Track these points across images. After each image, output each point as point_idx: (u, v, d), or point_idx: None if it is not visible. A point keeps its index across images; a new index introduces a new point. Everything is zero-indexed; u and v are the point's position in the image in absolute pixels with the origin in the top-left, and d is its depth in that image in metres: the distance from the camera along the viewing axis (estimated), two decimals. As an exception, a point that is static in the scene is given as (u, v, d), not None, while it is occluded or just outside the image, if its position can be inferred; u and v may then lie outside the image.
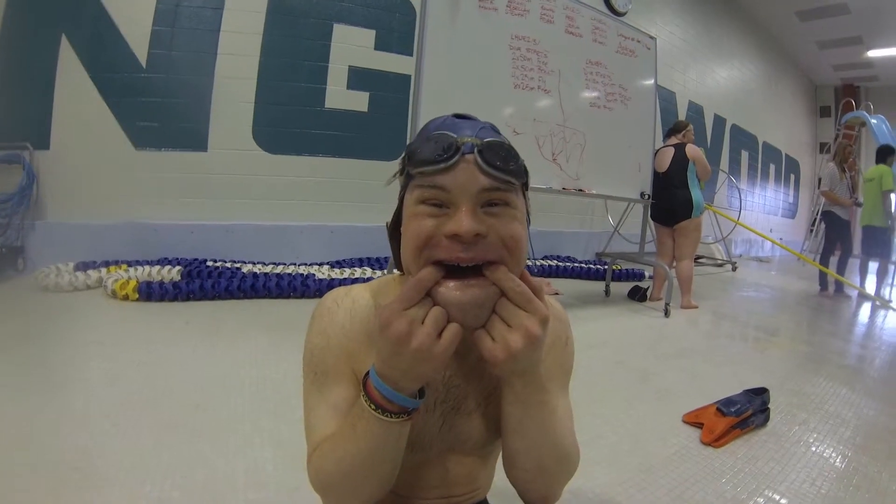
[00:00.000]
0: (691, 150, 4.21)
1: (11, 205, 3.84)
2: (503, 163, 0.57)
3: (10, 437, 1.60)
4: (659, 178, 4.26)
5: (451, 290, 0.54)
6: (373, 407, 0.57)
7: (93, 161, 4.07)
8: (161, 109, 4.17)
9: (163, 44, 4.22)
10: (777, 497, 1.53)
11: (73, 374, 2.20)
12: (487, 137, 0.59)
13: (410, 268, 0.58)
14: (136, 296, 3.30)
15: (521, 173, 0.60)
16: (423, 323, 0.53)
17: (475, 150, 0.57)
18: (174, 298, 3.35)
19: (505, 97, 3.43)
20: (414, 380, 0.56)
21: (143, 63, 4.18)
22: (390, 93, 4.76)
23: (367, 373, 0.58)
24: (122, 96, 4.12)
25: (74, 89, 4.09)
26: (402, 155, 0.62)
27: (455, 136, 0.58)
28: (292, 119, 4.49)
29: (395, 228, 0.67)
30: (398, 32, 4.83)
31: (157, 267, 3.67)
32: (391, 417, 0.57)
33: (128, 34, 4.15)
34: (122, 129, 4.10)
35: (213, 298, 3.44)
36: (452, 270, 0.55)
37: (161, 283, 3.39)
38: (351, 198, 4.66)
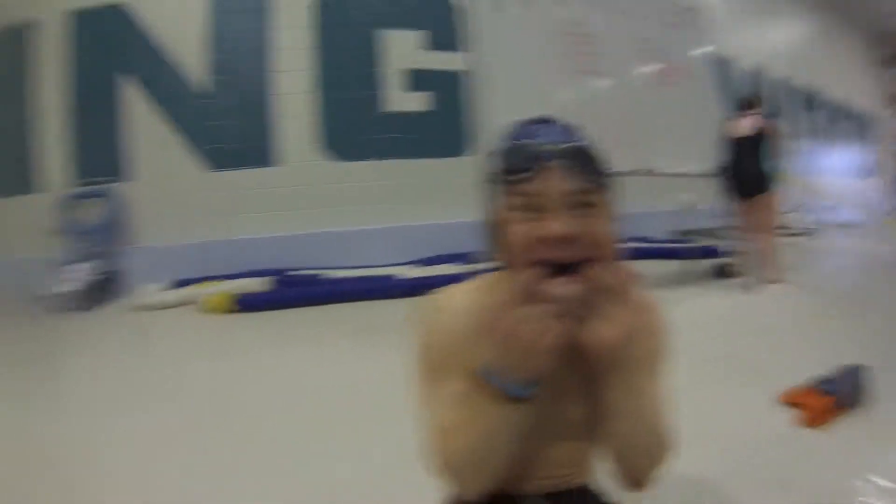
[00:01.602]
0: (769, 124, 4.04)
1: (106, 233, 4.15)
2: (587, 167, 0.62)
3: (126, 452, 1.76)
4: (735, 151, 4.10)
5: (553, 287, 0.59)
6: (492, 398, 0.62)
7: (175, 186, 4.38)
8: (229, 131, 4.42)
9: (222, 70, 4.47)
10: (882, 481, 1.44)
11: (179, 387, 2.36)
12: (571, 142, 0.64)
13: (512, 268, 0.63)
14: (230, 308, 3.48)
15: (604, 174, 0.64)
16: (530, 320, 0.58)
17: (561, 157, 0.61)
18: (266, 308, 3.50)
19: (560, 83, 3.41)
20: (526, 373, 0.61)
21: (207, 90, 4.44)
22: (447, 90, 4.78)
23: (482, 367, 0.63)
24: (192, 123, 4.41)
25: (148, 123, 4.42)
26: (492, 160, 0.67)
27: (541, 143, 0.62)
28: (354, 126, 4.61)
29: (490, 227, 0.71)
30: (448, 31, 4.83)
31: (247, 280, 3.86)
32: (510, 406, 0.62)
33: (187, 66, 4.44)
34: (196, 153, 4.39)
35: (303, 306, 3.55)
36: (552, 269, 0.60)
37: (253, 295, 3.57)
38: (421, 197, 4.72)
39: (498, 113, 3.16)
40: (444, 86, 4.76)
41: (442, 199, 4.63)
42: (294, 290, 3.65)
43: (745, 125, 4.09)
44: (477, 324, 0.66)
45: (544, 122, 0.69)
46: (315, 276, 4.02)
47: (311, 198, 4.47)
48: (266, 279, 3.86)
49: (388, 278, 3.85)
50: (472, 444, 0.65)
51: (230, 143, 4.39)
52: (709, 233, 4.55)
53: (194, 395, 2.29)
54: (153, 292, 3.82)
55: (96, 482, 1.61)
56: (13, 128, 4.75)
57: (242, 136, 4.41)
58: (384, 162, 4.66)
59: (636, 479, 0.72)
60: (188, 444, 1.81)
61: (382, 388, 2.13)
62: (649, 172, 3.67)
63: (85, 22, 4.55)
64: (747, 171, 4.03)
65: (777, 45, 8.87)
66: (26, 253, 4.60)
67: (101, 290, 4.00)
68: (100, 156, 4.48)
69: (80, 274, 3.93)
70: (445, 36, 4.82)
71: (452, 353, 0.70)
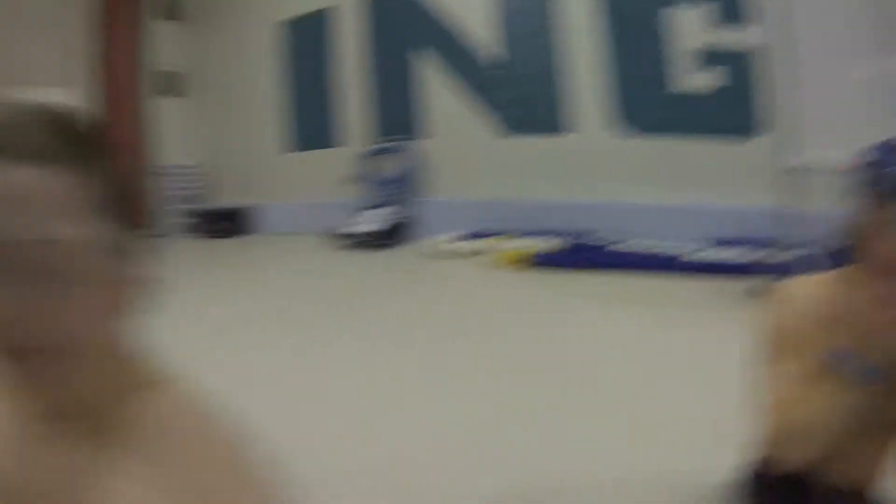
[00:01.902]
0: None
1: (402, 184, 4.72)
2: None
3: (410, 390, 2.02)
4: None
5: None
6: (837, 381, 0.72)
7: (469, 146, 4.72)
8: (522, 99, 4.62)
9: (513, 42, 4.68)
10: None
11: (474, 329, 2.65)
12: None
13: (876, 273, 0.72)
14: (522, 264, 3.66)
15: None
16: (889, 317, 0.69)
17: None
18: (558, 267, 3.61)
19: (862, 62, 3.00)
20: (876, 361, 0.70)
21: (500, 59, 4.70)
22: (737, 68, 4.42)
23: (832, 351, 0.73)
24: (487, 90, 4.72)
25: (444, 88, 4.86)
26: (862, 177, 0.76)
27: None
28: (643, 101, 4.50)
29: (853, 232, 0.78)
30: (739, 5, 4.51)
31: (535, 239, 3.97)
32: (851, 391, 0.71)
33: (479, 38, 4.76)
34: (492, 118, 4.67)
35: (591, 270, 3.57)
36: None
37: (547, 254, 3.69)
38: (706, 178, 4.42)
39: (792, 93, 2.93)
40: (735, 63, 4.39)
41: (728, 181, 4.39)
42: (587, 254, 3.69)
43: None
44: (830, 312, 0.78)
45: None
46: (604, 244, 4.01)
47: (598, 168, 4.48)
48: (556, 240, 3.94)
49: (676, 256, 3.67)
50: (808, 418, 0.75)
51: (523, 111, 4.60)
52: None
53: (488, 338, 2.54)
54: (446, 240, 4.18)
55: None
56: (321, 92, 5.57)
57: (535, 105, 4.59)
58: (672, 139, 4.48)
59: None
60: (483, 384, 2.05)
61: (672, 359, 2.15)
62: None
63: (379, 3, 5.17)
64: None
65: None
66: (331, 198, 5.37)
67: (397, 234, 4.53)
68: (397, 117, 5.04)
69: (378, 218, 4.50)
70: (736, 11, 4.50)
71: (800, 335, 0.80)
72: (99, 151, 0.41)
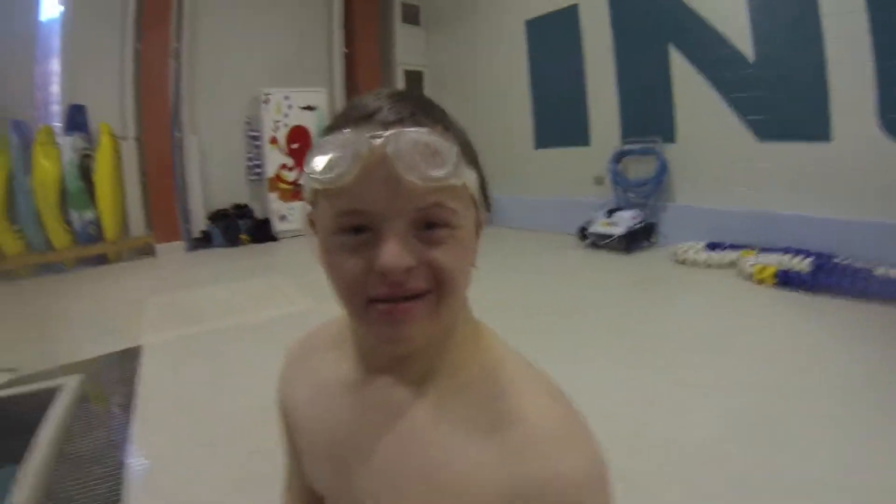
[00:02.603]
0: None
1: (648, 188, 4.82)
2: None
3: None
4: None
5: None
6: None
7: (715, 152, 4.68)
8: (776, 101, 4.35)
9: (765, 38, 4.37)
10: None
11: (723, 346, 2.74)
12: None
13: None
14: (773, 282, 3.65)
15: None
16: None
17: None
18: (807, 290, 3.51)
19: None
20: None
21: (750, 59, 4.45)
22: None
23: None
24: (736, 91, 4.54)
25: (690, 89, 4.80)
26: None
27: None
28: None
29: None
30: None
31: (788, 256, 3.89)
32: None
33: (728, 34, 4.54)
34: (741, 122, 4.52)
35: (842, 296, 3.37)
36: None
37: (798, 273, 3.62)
38: None
39: None
40: None
41: None
42: (835, 279, 3.48)
43: None
44: None
45: None
46: (857, 267, 3.62)
47: (861, 181, 4.00)
48: (802, 258, 3.81)
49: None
50: None
51: (777, 114, 4.35)
52: None
53: (735, 355, 2.60)
54: (695, 249, 4.29)
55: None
56: (569, 90, 5.89)
57: (791, 107, 4.28)
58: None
59: None
60: (727, 405, 2.11)
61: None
62: None
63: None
64: None
65: None
66: (578, 195, 5.78)
67: (640, 238, 4.72)
68: (646, 117, 5.17)
69: (623, 220, 4.71)
70: None
71: None
72: (447, 117, 0.49)
